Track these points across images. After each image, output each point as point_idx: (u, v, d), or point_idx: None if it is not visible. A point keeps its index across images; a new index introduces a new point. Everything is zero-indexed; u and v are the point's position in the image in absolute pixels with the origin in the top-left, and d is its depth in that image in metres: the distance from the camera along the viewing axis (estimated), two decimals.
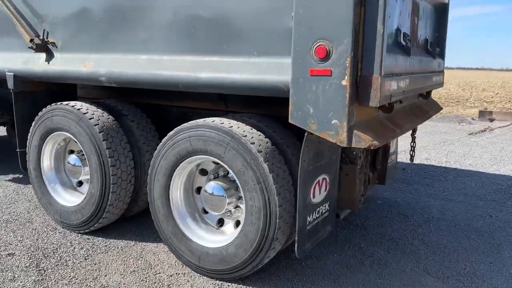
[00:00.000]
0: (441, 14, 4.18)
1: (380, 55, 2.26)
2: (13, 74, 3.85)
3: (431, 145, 8.37)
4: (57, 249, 3.44)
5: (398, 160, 6.89)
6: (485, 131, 10.37)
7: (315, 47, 2.32)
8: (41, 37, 3.63)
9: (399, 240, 3.76)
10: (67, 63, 3.54)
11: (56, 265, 3.19)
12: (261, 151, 2.68)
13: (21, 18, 3.73)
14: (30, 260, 3.23)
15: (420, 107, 3.86)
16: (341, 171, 3.13)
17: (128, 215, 3.84)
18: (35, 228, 3.82)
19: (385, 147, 4.05)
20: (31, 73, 3.78)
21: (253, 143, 2.70)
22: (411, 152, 4.42)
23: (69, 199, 3.80)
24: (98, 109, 3.57)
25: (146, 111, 3.80)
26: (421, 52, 3.49)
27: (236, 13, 2.71)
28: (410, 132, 4.43)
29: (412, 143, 4.38)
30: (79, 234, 3.71)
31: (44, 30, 3.64)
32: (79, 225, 3.67)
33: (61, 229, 3.81)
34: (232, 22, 2.72)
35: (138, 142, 3.60)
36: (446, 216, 4.38)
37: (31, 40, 3.62)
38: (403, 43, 2.82)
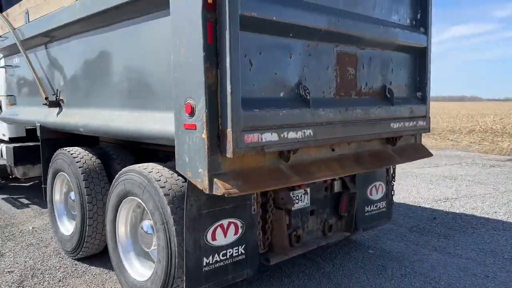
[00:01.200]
0: (419, 59, 4.08)
1: (231, 111, 2.46)
2: (39, 124, 4.79)
3: (497, 193, 7.50)
4: (46, 270, 4.10)
5: (438, 208, 6.40)
6: None
7: (185, 105, 2.62)
8: (55, 95, 4.50)
9: None
10: (67, 116, 4.33)
11: (35, 284, 3.83)
12: (168, 195, 2.99)
13: (42, 80, 4.67)
14: (20, 278, 3.93)
15: (381, 153, 3.76)
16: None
17: None
18: (45, 252, 4.58)
19: (351, 194, 3.99)
20: (49, 123, 4.67)
21: (163, 187, 3.03)
22: (388, 201, 4.23)
23: (68, 229, 4.50)
24: (89, 154, 4.24)
25: (137, 155, 4.36)
26: (362, 100, 3.47)
27: (152, 77, 3.16)
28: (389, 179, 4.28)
29: (387, 191, 4.20)
30: (72, 259, 4.35)
31: (57, 89, 4.51)
32: (71, 252, 4.31)
33: (63, 254, 4.51)
34: (150, 84, 3.17)
35: None
36: (433, 272, 4.03)
37: (46, 98, 4.51)
38: (303, 95, 2.93)
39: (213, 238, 2.95)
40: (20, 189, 7.76)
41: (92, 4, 3.50)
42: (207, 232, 2.90)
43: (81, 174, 4.03)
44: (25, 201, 6.87)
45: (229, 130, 2.48)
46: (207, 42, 2.46)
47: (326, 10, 3.02)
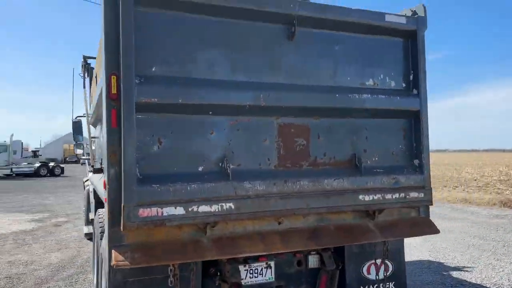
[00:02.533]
0: (413, 123, 3.71)
1: (124, 187, 2.68)
2: (93, 188, 5.66)
3: None
4: None
5: None
6: None
7: (103, 181, 2.95)
8: (100, 163, 5.32)
9: None
10: (100, 181, 5.05)
11: None
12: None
13: (97, 150, 5.58)
14: None
15: (354, 228, 3.44)
16: None
17: None
18: None
19: (332, 272, 3.68)
20: (97, 187, 5.49)
21: None
22: (397, 281, 3.75)
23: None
24: None
25: None
26: (317, 171, 3.29)
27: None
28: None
29: (396, 270, 3.72)
30: None
31: (101, 159, 5.33)
32: None
33: None
34: None
35: None
36: None
37: (92, 166, 5.35)
38: (225, 168, 2.97)
39: None
40: None
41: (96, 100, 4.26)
42: None
43: (99, 233, 4.62)
44: None
45: (123, 205, 2.70)
46: (111, 126, 2.78)
47: (249, 86, 3.06)
